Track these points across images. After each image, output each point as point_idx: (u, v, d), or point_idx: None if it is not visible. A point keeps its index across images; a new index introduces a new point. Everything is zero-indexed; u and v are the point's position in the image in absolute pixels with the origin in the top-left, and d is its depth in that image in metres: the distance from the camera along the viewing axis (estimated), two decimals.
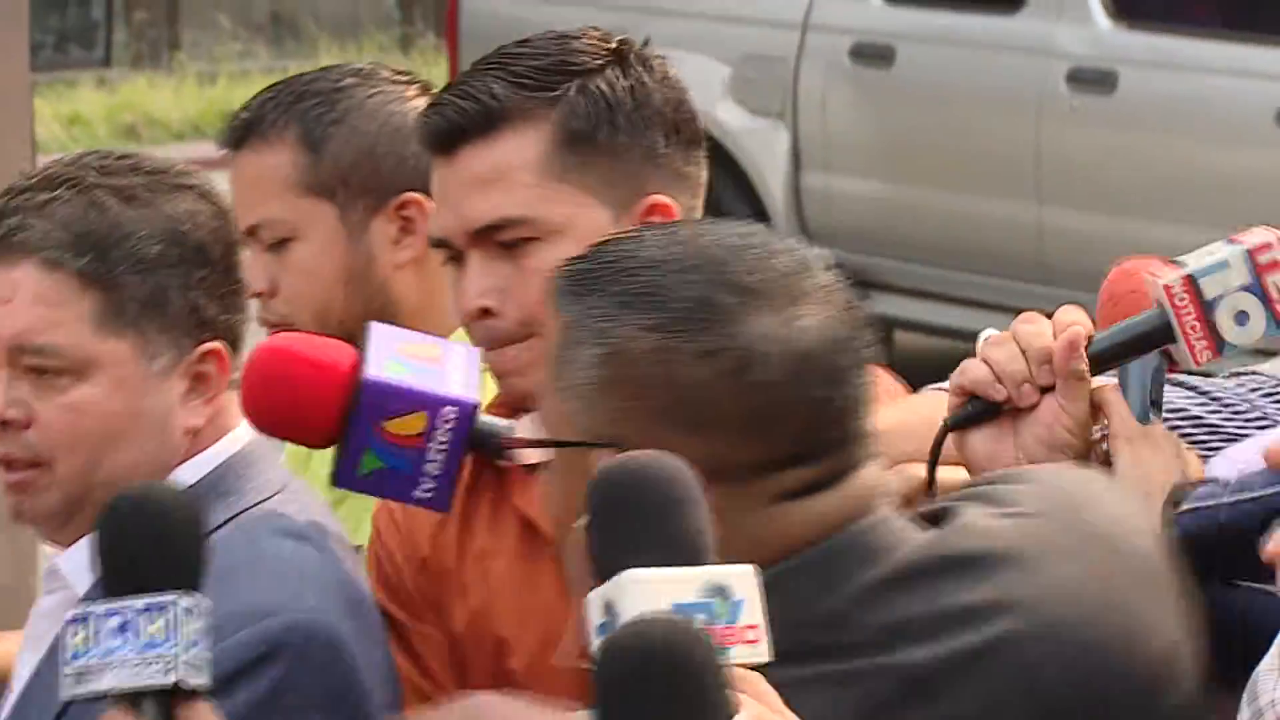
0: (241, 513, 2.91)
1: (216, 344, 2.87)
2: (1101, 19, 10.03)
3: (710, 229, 2.35)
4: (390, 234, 3.52)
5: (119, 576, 2.15)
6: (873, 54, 10.48)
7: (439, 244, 2.88)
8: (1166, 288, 2.35)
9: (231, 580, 2.64)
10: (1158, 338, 2.38)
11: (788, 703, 1.84)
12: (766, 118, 10.82)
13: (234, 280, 2.93)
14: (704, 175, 2.85)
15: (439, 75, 11.16)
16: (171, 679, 2.05)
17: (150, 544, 2.19)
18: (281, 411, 2.71)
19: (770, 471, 2.10)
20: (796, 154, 10.69)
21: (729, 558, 1.97)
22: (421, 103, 3.32)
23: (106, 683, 2.09)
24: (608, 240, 2.35)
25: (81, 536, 2.73)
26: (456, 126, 2.83)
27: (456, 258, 2.78)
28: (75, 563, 2.78)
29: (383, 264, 3.53)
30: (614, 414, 2.19)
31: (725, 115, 10.77)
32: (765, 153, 10.80)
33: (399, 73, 3.56)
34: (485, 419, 2.63)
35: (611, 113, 2.80)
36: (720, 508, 2.02)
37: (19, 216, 2.85)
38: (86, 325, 2.84)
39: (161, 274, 2.88)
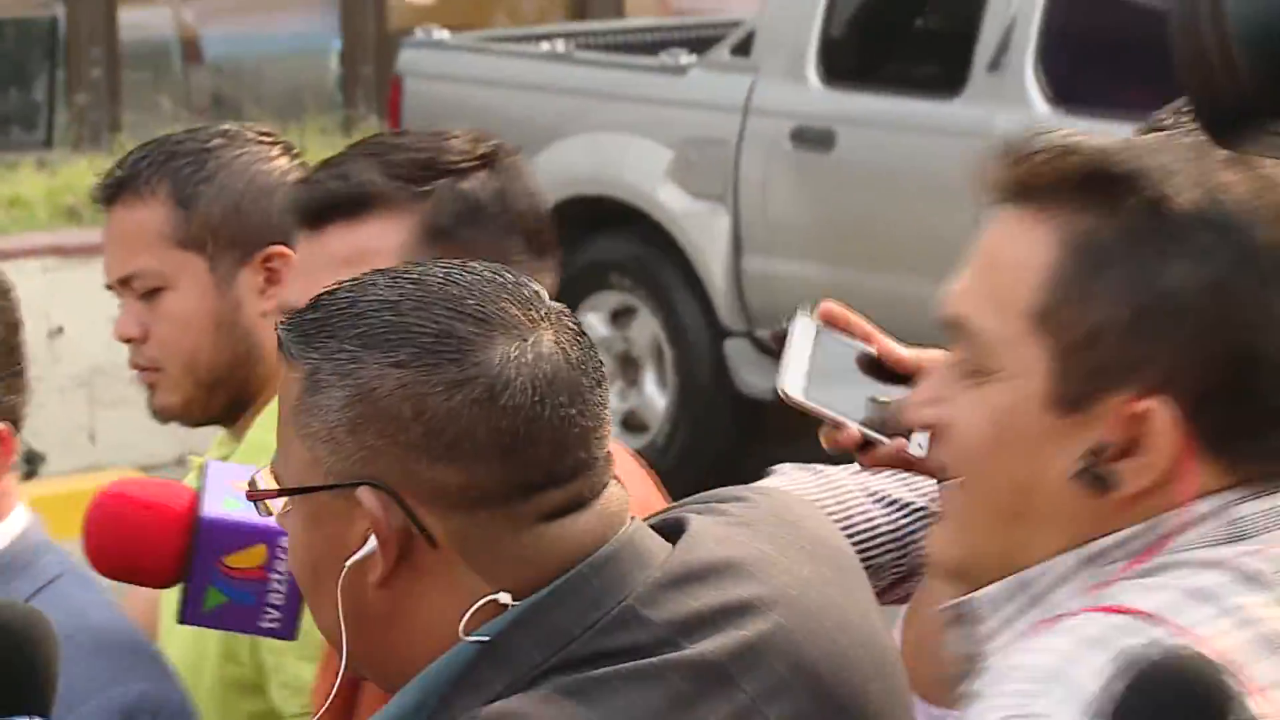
0: (49, 584, 2.92)
1: (1, 425, 2.92)
2: (1039, 104, 10.10)
3: (435, 268, 2.35)
4: (256, 284, 3.57)
5: None
6: (813, 138, 10.48)
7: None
8: None
9: (66, 650, 2.52)
10: None
11: (591, 705, 1.98)
12: (708, 200, 10.79)
13: (16, 362, 2.97)
14: (551, 285, 2.82)
15: None
16: None
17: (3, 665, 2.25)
18: (122, 558, 2.69)
19: (529, 494, 2.08)
20: (738, 237, 10.69)
21: (503, 582, 2.11)
22: (284, 162, 3.50)
23: None
24: (332, 289, 2.33)
25: None
26: (328, 204, 2.90)
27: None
28: None
29: (249, 312, 3.57)
30: (367, 453, 2.17)
31: (666, 198, 10.81)
32: (706, 235, 10.79)
33: (263, 133, 3.64)
34: None
35: (475, 214, 2.90)
36: (486, 534, 2.12)
37: None
38: None
39: None
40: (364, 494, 2.14)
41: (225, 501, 2.60)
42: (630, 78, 11.71)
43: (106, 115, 14.78)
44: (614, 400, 10.34)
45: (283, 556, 2.58)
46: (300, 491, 2.23)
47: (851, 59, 10.88)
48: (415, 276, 2.28)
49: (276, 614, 2.60)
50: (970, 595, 2.02)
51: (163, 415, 3.77)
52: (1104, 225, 1.89)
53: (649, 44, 12.50)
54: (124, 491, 2.76)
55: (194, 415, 3.71)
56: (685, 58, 11.27)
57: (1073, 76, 10.57)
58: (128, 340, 3.44)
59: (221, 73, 14.37)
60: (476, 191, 2.91)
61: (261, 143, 3.60)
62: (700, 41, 11.88)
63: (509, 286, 2.22)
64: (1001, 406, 1.94)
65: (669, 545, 2.18)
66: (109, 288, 3.40)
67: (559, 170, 10.05)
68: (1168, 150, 1.97)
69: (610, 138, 11.23)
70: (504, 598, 2.13)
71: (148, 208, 3.34)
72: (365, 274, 2.38)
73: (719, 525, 2.26)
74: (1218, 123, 1.69)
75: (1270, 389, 1.88)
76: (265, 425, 3.31)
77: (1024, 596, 1.96)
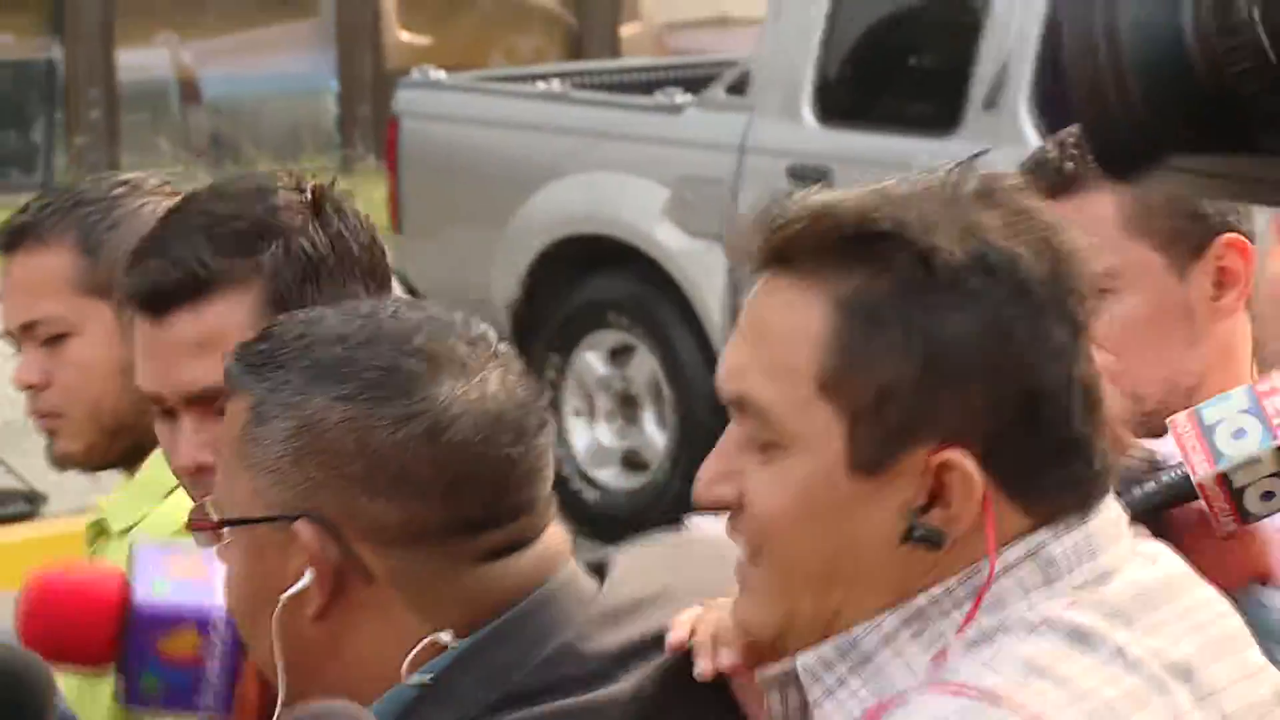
0: None
1: None
2: (1035, 141, 9.60)
3: (387, 306, 2.40)
4: None
5: None
6: (809, 176, 10.14)
7: (151, 397, 2.93)
8: (1201, 485, 2.40)
9: None
10: (1182, 500, 2.43)
11: None
12: (705, 239, 10.63)
13: None
14: None
15: (379, 197, 11.47)
16: None
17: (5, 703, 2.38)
18: (57, 646, 2.65)
19: (470, 533, 2.12)
20: (735, 275, 10.32)
21: (442, 620, 2.16)
22: None
23: None
24: (283, 321, 2.37)
25: None
26: (165, 293, 2.86)
27: (169, 412, 2.81)
28: None
29: None
30: (309, 485, 2.19)
31: (664, 237, 10.81)
32: (704, 274, 10.69)
33: (163, 182, 3.60)
34: None
35: (316, 270, 2.86)
36: (425, 571, 2.18)
37: None
38: None
39: None
40: (301, 527, 2.17)
41: (155, 585, 2.60)
42: (626, 117, 11.73)
43: (105, 156, 14.90)
44: (613, 439, 10.72)
45: (215, 637, 2.57)
46: (239, 523, 2.25)
47: (847, 97, 10.93)
48: (366, 312, 2.33)
49: (212, 693, 2.59)
50: (797, 658, 2.00)
51: (63, 462, 3.79)
52: (874, 285, 1.89)
53: (645, 83, 12.52)
54: (55, 579, 2.72)
55: (95, 461, 3.71)
56: (681, 97, 11.34)
57: (1068, 114, 10.25)
58: (28, 387, 3.42)
59: (220, 113, 14.44)
60: (310, 248, 2.88)
61: (163, 192, 3.55)
62: (696, 81, 11.91)
63: (457, 326, 2.27)
64: (802, 478, 1.93)
65: (597, 584, 2.22)
66: (7, 334, 3.39)
67: (556, 209, 10.24)
68: (923, 199, 1.96)
69: (607, 177, 11.22)
70: (445, 637, 2.16)
71: (54, 254, 3.34)
72: (321, 309, 2.43)
73: (645, 558, 2.33)
74: (1111, 155, 1.70)
75: (1054, 420, 1.90)
76: (157, 463, 3.31)
77: (855, 654, 1.95)
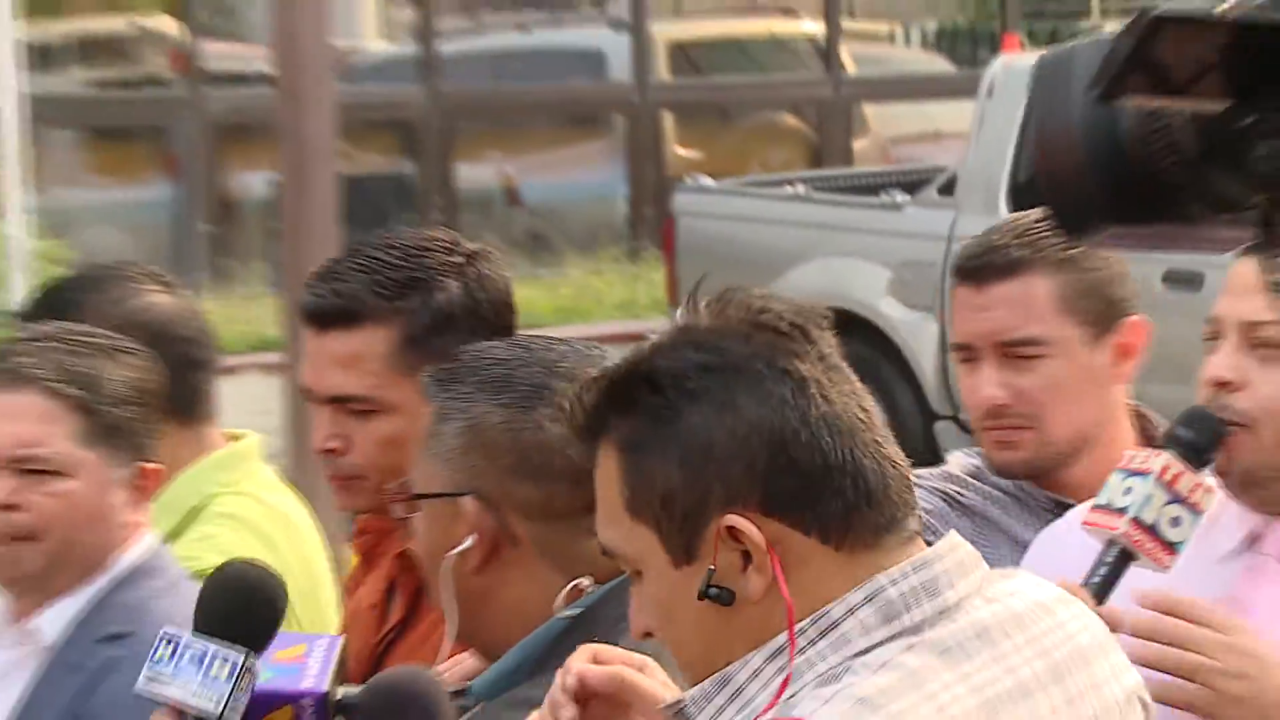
0: (175, 584, 3.19)
1: (160, 467, 3.18)
2: None
3: (543, 341, 2.71)
4: None
5: (211, 621, 2.53)
6: None
7: (303, 391, 3.22)
8: (1126, 534, 2.60)
9: None
10: (1125, 564, 2.61)
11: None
12: (919, 311, 11.69)
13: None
14: None
15: (659, 279, 12.20)
16: (218, 711, 2.48)
17: (242, 607, 2.56)
18: None
19: (589, 512, 2.16)
20: (944, 339, 10.91)
21: (574, 573, 2.45)
22: None
23: (171, 693, 2.50)
24: (467, 350, 2.71)
25: (49, 598, 3.10)
26: (326, 314, 3.10)
27: (319, 402, 3.09)
28: (52, 620, 3.08)
29: None
30: (473, 470, 2.53)
31: (886, 309, 11.79)
32: (918, 338, 11.69)
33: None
34: (345, 692, 2.70)
35: (447, 324, 3.04)
36: (560, 538, 2.47)
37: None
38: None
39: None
40: (466, 502, 2.51)
41: (262, 675, 2.68)
42: (857, 213, 12.66)
43: None
44: None
45: (306, 712, 2.67)
46: (423, 497, 2.60)
47: (1036, 195, 11.37)
48: (524, 344, 2.68)
49: None
50: (686, 694, 2.08)
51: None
52: (630, 422, 1.96)
53: (872, 186, 13.34)
54: None
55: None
56: (901, 197, 12.30)
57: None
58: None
59: (535, 214, 14.67)
60: (447, 304, 3.06)
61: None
62: (913, 184, 12.76)
63: (590, 356, 2.57)
64: (653, 593, 2.01)
65: None
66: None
67: (801, 287, 10.75)
68: (658, 336, 2.03)
69: (841, 261, 12.15)
70: (585, 582, 2.46)
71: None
72: (493, 342, 2.75)
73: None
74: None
75: (808, 456, 1.92)
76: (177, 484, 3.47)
77: (729, 687, 2.01)
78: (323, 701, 2.60)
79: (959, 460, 3.15)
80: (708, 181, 12.32)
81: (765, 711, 1.95)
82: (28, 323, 3.47)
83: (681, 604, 1.99)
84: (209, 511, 3.37)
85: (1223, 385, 2.70)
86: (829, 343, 1.98)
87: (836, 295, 10.67)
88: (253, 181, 12.43)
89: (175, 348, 3.44)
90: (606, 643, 2.25)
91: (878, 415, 1.98)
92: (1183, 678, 2.44)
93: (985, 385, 2.97)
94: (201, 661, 2.55)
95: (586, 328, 11.60)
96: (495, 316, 3.07)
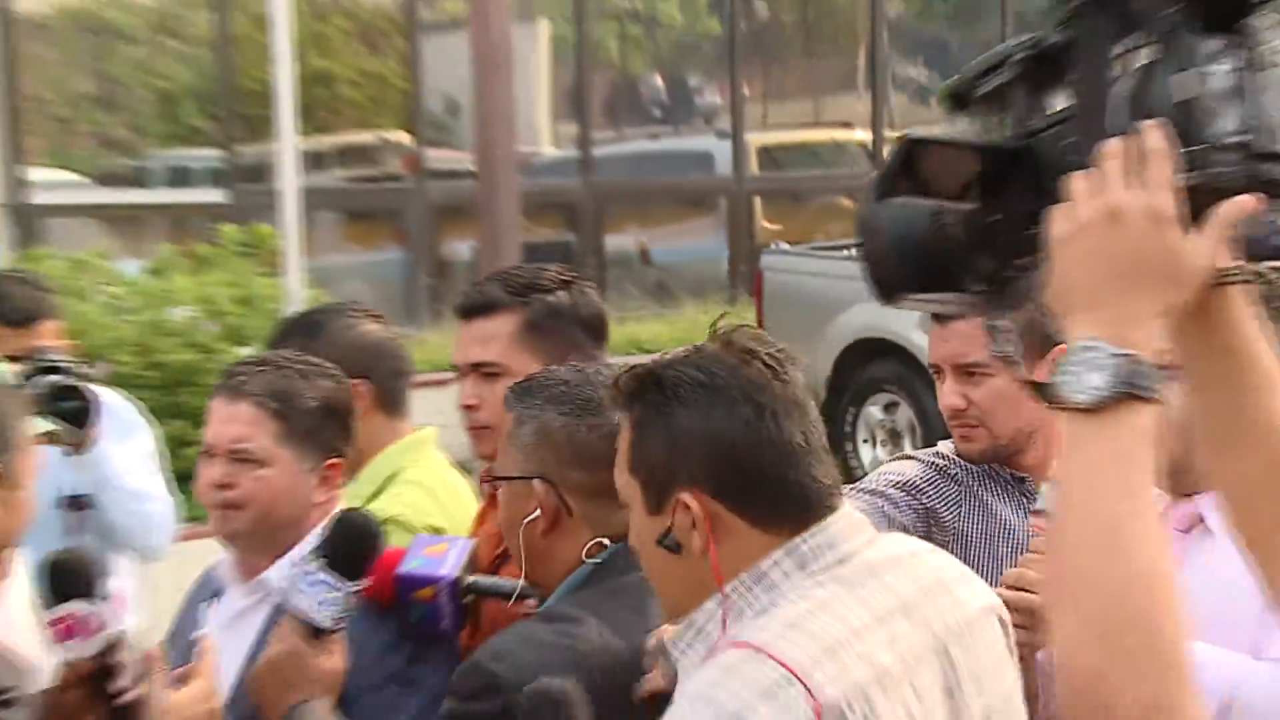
0: None
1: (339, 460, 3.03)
2: None
3: (592, 365, 2.65)
4: None
5: (334, 556, 2.61)
6: None
7: (454, 368, 3.12)
8: None
9: None
10: None
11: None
12: None
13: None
14: (599, 355, 2.97)
15: (749, 318, 10.41)
16: (329, 625, 2.58)
17: (354, 550, 2.65)
18: (378, 593, 2.71)
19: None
20: None
21: (606, 535, 2.42)
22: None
23: (296, 604, 2.59)
24: (538, 372, 2.64)
25: (269, 558, 2.95)
26: (471, 306, 3.09)
27: (464, 374, 3.03)
28: (276, 574, 2.92)
29: None
30: (542, 461, 2.47)
31: (916, 339, 9.54)
32: None
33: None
34: (472, 579, 2.70)
35: (555, 316, 3.01)
36: (602, 511, 2.40)
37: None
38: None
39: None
40: (536, 483, 2.46)
41: (412, 563, 2.69)
42: None
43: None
44: (886, 458, 9.27)
45: (444, 591, 2.66)
46: (505, 479, 2.55)
47: None
48: (581, 368, 2.58)
49: (448, 621, 2.68)
50: (666, 631, 2.10)
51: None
52: (642, 410, 1.99)
53: None
54: (382, 560, 2.75)
55: None
56: None
57: None
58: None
59: (661, 270, 14.30)
60: (556, 303, 3.00)
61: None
62: None
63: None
64: (635, 528, 2.05)
65: None
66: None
67: (853, 324, 10.38)
68: (681, 359, 2.00)
69: (881, 304, 10.83)
70: (606, 541, 2.44)
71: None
72: (557, 366, 2.66)
73: None
74: (883, 293, 1.73)
75: (753, 466, 1.94)
76: (375, 463, 3.36)
77: (692, 631, 2.00)
78: (455, 584, 2.64)
79: (947, 445, 3.10)
80: (785, 246, 12.02)
81: (719, 640, 1.95)
82: (282, 342, 3.41)
83: (647, 544, 2.03)
84: (399, 478, 3.30)
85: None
86: (797, 381, 1.97)
87: (880, 329, 10.30)
88: (460, 248, 12.62)
89: (384, 362, 3.42)
90: (617, 582, 2.39)
91: (818, 441, 1.98)
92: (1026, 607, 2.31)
93: (948, 395, 2.95)
94: (322, 585, 2.59)
95: None
96: (590, 319, 3.06)
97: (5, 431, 2.54)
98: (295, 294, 8.54)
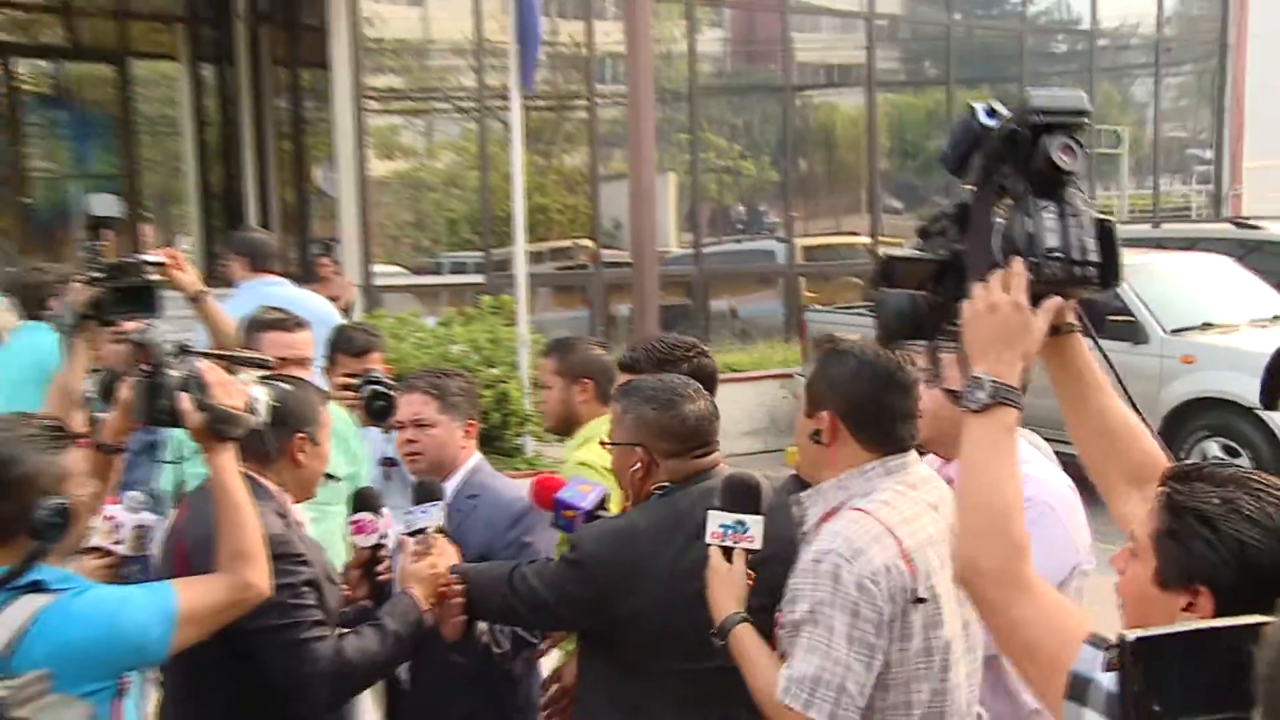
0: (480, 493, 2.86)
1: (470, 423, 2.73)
2: None
3: (673, 377, 2.39)
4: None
5: (424, 494, 2.49)
6: None
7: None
8: None
9: (507, 497, 2.78)
10: None
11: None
12: None
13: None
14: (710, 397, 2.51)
15: (796, 353, 11.02)
16: (435, 527, 2.46)
17: (429, 495, 2.47)
18: (539, 498, 2.53)
19: (695, 451, 2.09)
20: None
21: (678, 479, 2.21)
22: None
23: (420, 522, 2.46)
24: (633, 380, 2.42)
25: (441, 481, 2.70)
26: (623, 366, 2.82)
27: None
28: (447, 490, 2.68)
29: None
30: (640, 433, 2.29)
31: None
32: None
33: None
34: (600, 513, 2.45)
35: (659, 360, 2.75)
36: (679, 466, 2.23)
37: None
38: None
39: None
40: (639, 450, 2.29)
41: (567, 492, 2.45)
42: None
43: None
44: None
45: (581, 517, 2.40)
46: (616, 445, 2.36)
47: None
48: (659, 377, 2.40)
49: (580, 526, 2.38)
50: (801, 497, 1.99)
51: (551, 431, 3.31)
52: (822, 366, 1.89)
53: None
54: (545, 481, 2.54)
55: (559, 431, 3.27)
56: None
57: None
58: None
59: (743, 322, 13.38)
60: (687, 370, 2.68)
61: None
62: None
63: (688, 384, 2.34)
64: (798, 431, 1.93)
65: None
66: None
67: None
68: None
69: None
70: (667, 484, 2.27)
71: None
72: (647, 377, 2.42)
73: None
74: (888, 340, 1.67)
75: (870, 413, 1.86)
76: (582, 433, 3.08)
77: (817, 494, 1.92)
78: (589, 514, 2.44)
79: None
80: (819, 307, 11.28)
81: (838, 506, 1.88)
82: (546, 354, 3.21)
83: (803, 435, 1.98)
84: (593, 439, 2.93)
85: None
86: (911, 374, 1.91)
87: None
88: (621, 309, 12.12)
89: (602, 371, 3.15)
90: (680, 506, 2.15)
91: (911, 408, 1.91)
92: None
93: None
94: (429, 513, 2.51)
95: (761, 373, 10.90)
96: (707, 375, 2.80)
97: (312, 411, 2.44)
98: (524, 337, 8.66)
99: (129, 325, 2.36)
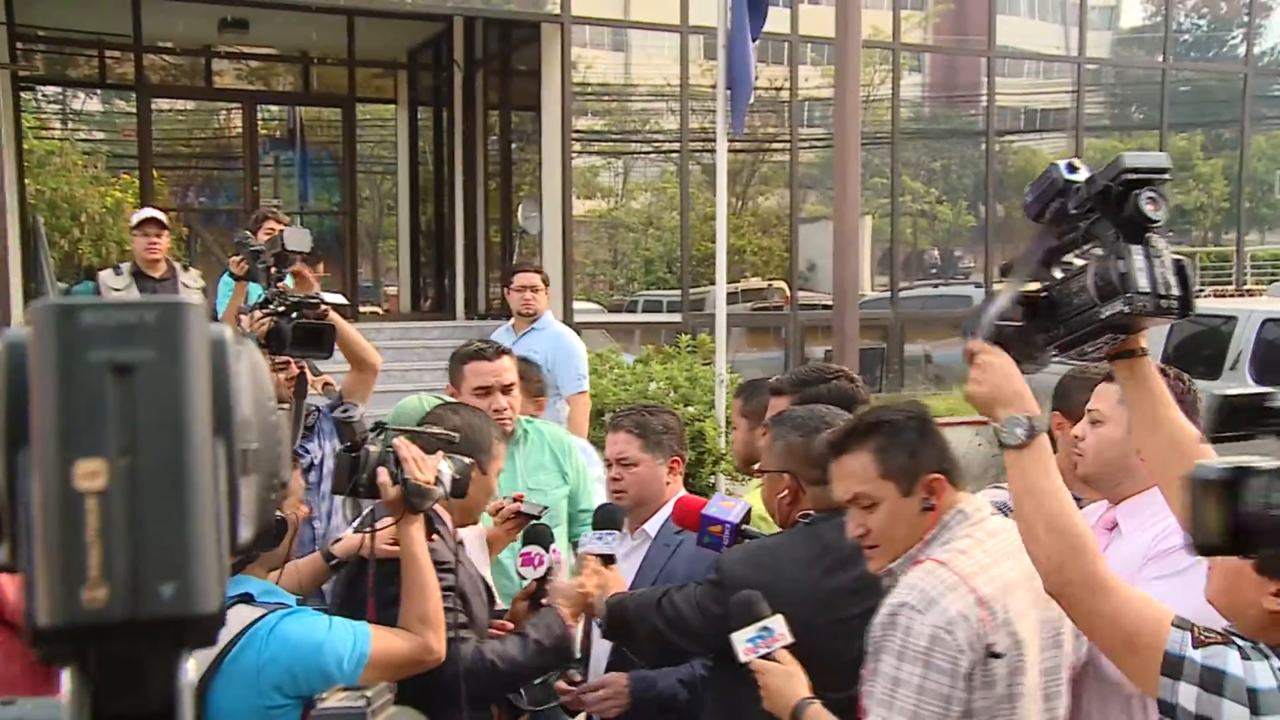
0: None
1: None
2: None
3: (820, 407, 2.41)
4: None
5: (603, 522, 2.55)
6: None
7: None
8: None
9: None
10: None
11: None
12: None
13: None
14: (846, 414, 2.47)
15: None
16: (612, 553, 2.47)
17: (610, 522, 2.52)
18: (683, 518, 2.54)
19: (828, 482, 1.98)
20: None
21: (822, 510, 2.15)
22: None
23: (592, 549, 2.50)
24: (783, 411, 2.45)
25: (643, 518, 2.76)
26: (775, 390, 2.82)
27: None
28: (651, 527, 2.72)
29: None
30: (788, 462, 2.33)
31: None
32: None
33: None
34: (745, 527, 2.47)
35: (829, 400, 2.62)
36: (818, 493, 2.21)
37: None
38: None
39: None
40: (785, 476, 2.35)
41: (711, 508, 2.47)
42: None
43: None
44: None
45: (727, 528, 2.42)
46: (767, 472, 2.39)
47: None
48: (810, 407, 2.42)
49: (723, 548, 2.40)
50: (888, 567, 1.96)
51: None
52: (877, 440, 1.92)
53: None
54: (690, 500, 2.60)
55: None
56: None
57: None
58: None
59: (939, 367, 13.26)
60: (827, 393, 2.67)
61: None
62: None
63: (835, 414, 2.33)
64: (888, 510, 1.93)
65: None
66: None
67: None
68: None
69: None
70: (811, 511, 2.28)
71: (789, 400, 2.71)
72: (797, 407, 2.44)
73: None
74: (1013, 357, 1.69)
75: (954, 470, 1.87)
76: None
77: (905, 559, 1.92)
78: (736, 527, 2.47)
79: None
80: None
81: (917, 557, 1.91)
82: (740, 392, 3.23)
83: (903, 517, 1.98)
84: None
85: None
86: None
87: None
88: (818, 351, 12.10)
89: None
90: (819, 539, 2.13)
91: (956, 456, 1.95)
92: None
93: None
94: (603, 539, 2.59)
95: (955, 419, 10.19)
96: (847, 397, 2.71)
97: (485, 440, 2.53)
98: (721, 376, 8.56)
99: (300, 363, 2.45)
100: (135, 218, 6.62)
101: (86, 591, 0.49)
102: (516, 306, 5.68)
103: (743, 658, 2.05)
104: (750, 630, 2.04)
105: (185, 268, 6.45)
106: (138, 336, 0.51)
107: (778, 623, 2.03)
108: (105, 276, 6.42)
